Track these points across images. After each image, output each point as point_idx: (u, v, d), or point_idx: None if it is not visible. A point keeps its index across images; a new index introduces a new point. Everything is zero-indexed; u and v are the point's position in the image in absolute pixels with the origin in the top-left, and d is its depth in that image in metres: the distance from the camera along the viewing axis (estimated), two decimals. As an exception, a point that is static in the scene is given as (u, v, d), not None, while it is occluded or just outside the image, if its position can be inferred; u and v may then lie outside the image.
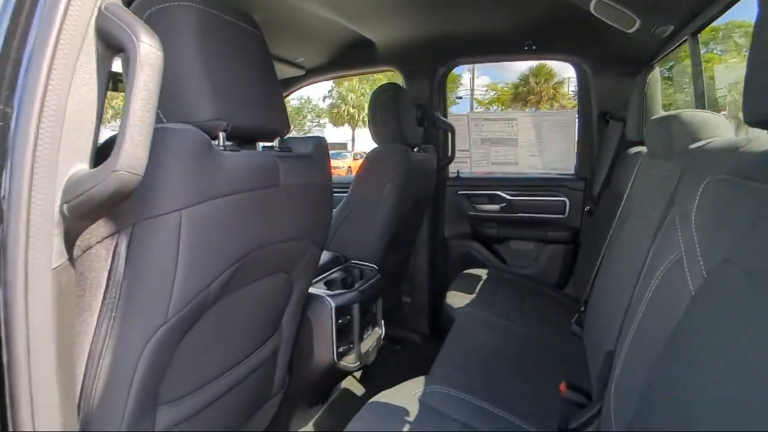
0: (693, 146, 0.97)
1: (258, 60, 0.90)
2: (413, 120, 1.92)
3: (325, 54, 2.19)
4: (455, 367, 1.23)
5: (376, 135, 1.80)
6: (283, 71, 2.30)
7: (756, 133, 0.70)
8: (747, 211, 0.63)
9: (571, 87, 25.23)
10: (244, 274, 0.88)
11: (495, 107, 26.60)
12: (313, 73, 2.36)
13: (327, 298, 1.30)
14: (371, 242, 1.73)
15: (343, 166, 16.68)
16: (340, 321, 1.32)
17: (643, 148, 1.71)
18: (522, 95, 25.15)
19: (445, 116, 2.28)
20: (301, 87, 2.45)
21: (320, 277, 1.45)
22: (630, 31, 1.44)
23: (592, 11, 1.41)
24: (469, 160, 2.35)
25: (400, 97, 1.79)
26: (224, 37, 0.81)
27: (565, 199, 2.17)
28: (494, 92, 27.81)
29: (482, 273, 2.11)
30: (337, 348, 1.32)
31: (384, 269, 1.74)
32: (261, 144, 1.03)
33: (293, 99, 27.23)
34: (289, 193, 0.91)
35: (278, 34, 1.93)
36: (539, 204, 2.21)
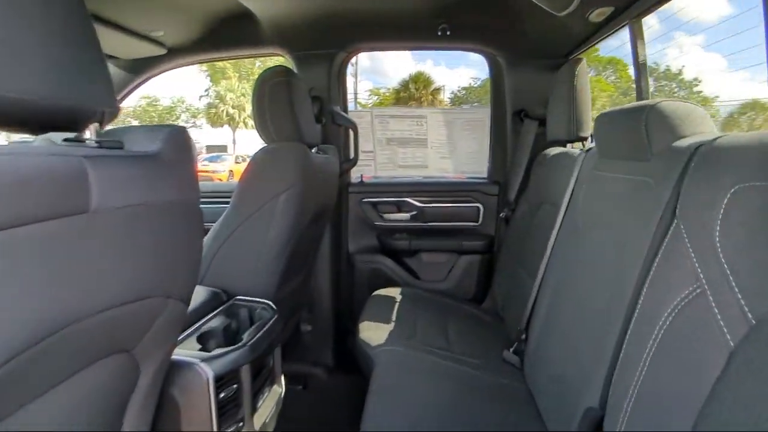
0: (685, 143, 0.77)
1: None
2: (311, 114, 1.56)
3: (193, 28, 1.71)
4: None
5: (264, 131, 1.40)
6: (138, 48, 1.78)
7: None
8: None
9: (447, 94, 26.88)
10: (28, 379, 0.46)
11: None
12: (177, 54, 1.85)
13: (200, 365, 0.89)
14: (263, 269, 1.33)
15: (224, 170, 15.47)
16: (222, 394, 0.92)
17: (567, 149, 1.57)
18: (403, 100, 26.03)
19: (345, 111, 1.96)
20: (164, 71, 1.93)
21: (190, 329, 1.02)
22: (562, 14, 1.26)
23: (522, -12, 1.21)
24: (374, 162, 2.06)
25: (294, 84, 1.42)
26: None
27: (478, 205, 1.99)
28: (377, 96, 28.49)
29: (395, 293, 1.83)
30: (220, 433, 0.92)
31: (280, 301, 1.37)
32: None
33: (164, 98, 24.90)
34: (116, 222, 0.51)
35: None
36: (452, 211, 2.00)
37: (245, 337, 1.04)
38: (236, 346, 0.98)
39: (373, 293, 1.81)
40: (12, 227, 0.39)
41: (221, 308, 1.18)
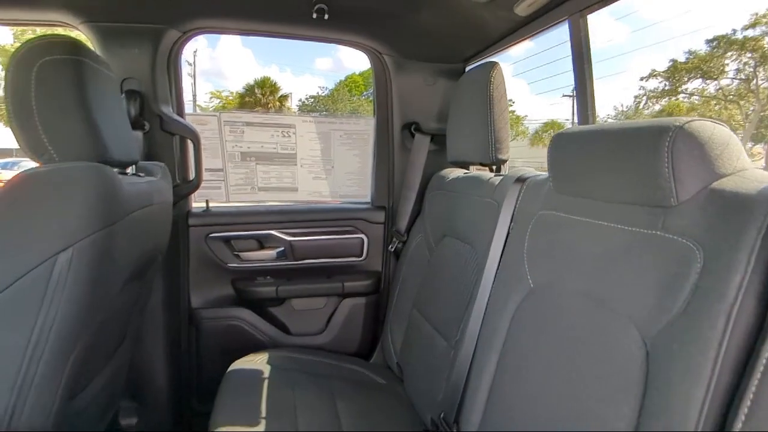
0: (742, 188, 0.51)
1: None
2: (123, 116, 1.02)
3: None
4: None
5: (32, 143, 0.81)
6: None
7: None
8: None
9: (294, 101, 26.46)
10: None
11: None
12: None
13: None
14: (30, 383, 0.76)
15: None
16: None
17: (476, 173, 1.30)
18: (249, 105, 24.95)
19: (181, 114, 1.41)
20: None
21: None
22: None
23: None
24: (225, 184, 1.55)
25: (89, 68, 0.87)
26: None
27: (362, 236, 1.62)
28: (219, 100, 26.67)
29: (260, 361, 1.36)
30: None
31: (73, 417, 0.82)
32: None
33: None
34: None
35: None
36: (330, 245, 1.59)
37: None
38: None
39: (230, 368, 1.31)
40: None
41: None
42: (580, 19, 0.94)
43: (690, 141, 0.55)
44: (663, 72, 20.06)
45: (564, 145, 0.77)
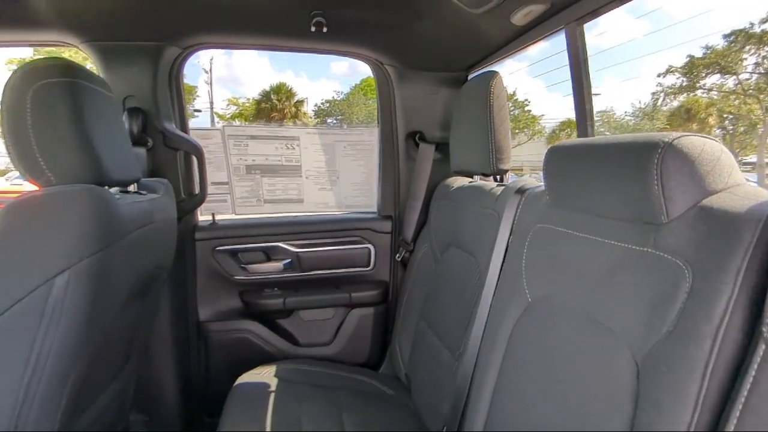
0: (731, 206, 0.49)
1: None
2: (124, 135, 1.03)
3: None
4: None
5: (29, 166, 0.82)
6: None
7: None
8: None
9: (310, 106, 26.59)
10: None
11: (238, 123, 25.79)
12: None
13: None
14: (30, 405, 0.76)
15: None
16: None
17: (478, 182, 1.28)
18: (265, 111, 25.14)
19: (185, 129, 1.42)
20: None
21: None
22: (478, 10, 0.95)
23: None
24: (230, 197, 1.55)
25: (84, 89, 0.87)
26: None
27: (369, 246, 1.61)
28: (236, 107, 26.97)
29: (267, 374, 1.36)
30: None
31: None
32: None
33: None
34: None
35: None
36: (337, 255, 1.59)
37: None
38: None
39: (237, 382, 1.31)
40: None
41: None
42: (576, 29, 0.91)
43: (679, 157, 0.53)
44: (680, 68, 19.57)
45: (558, 159, 0.74)
